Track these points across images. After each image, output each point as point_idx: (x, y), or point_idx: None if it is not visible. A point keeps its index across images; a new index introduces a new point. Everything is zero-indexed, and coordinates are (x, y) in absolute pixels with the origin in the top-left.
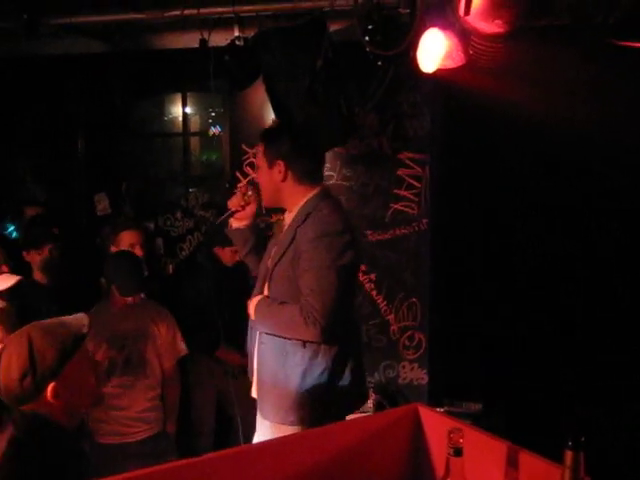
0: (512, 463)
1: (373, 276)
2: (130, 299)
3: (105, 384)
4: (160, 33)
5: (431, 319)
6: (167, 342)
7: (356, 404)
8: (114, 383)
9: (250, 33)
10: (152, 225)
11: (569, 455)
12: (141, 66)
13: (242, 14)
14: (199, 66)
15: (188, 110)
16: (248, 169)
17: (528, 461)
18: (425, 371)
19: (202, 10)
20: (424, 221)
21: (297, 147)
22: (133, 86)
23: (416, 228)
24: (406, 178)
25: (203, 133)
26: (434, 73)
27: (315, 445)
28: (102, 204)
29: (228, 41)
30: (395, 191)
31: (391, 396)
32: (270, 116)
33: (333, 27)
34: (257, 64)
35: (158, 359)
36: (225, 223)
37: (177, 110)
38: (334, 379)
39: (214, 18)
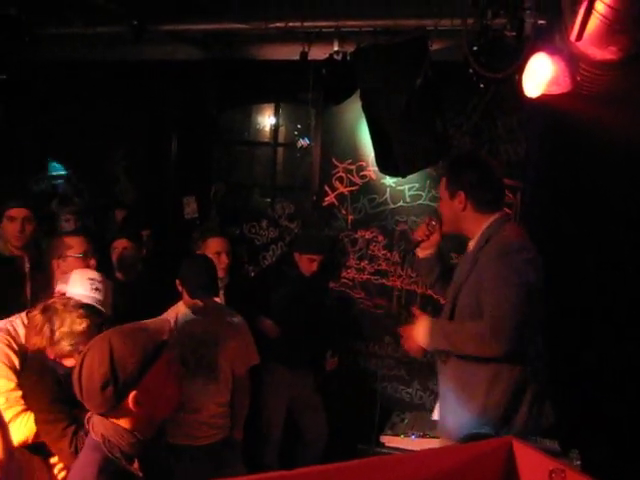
0: None
1: None
2: (200, 302)
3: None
4: (259, 44)
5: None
6: (240, 349)
7: (537, 428)
8: (185, 384)
9: (349, 49)
10: (237, 232)
11: None
12: (237, 75)
13: (344, 28)
14: (295, 78)
15: (280, 120)
16: (337, 183)
17: None
18: None
19: (305, 23)
20: None
21: (476, 180)
22: (228, 94)
23: None
24: None
25: (292, 145)
26: (536, 98)
27: (410, 467)
28: (190, 207)
29: (327, 55)
30: None
31: None
32: (363, 132)
33: (433, 46)
34: (353, 79)
35: (230, 365)
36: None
37: (269, 120)
38: (515, 400)
39: (315, 32)
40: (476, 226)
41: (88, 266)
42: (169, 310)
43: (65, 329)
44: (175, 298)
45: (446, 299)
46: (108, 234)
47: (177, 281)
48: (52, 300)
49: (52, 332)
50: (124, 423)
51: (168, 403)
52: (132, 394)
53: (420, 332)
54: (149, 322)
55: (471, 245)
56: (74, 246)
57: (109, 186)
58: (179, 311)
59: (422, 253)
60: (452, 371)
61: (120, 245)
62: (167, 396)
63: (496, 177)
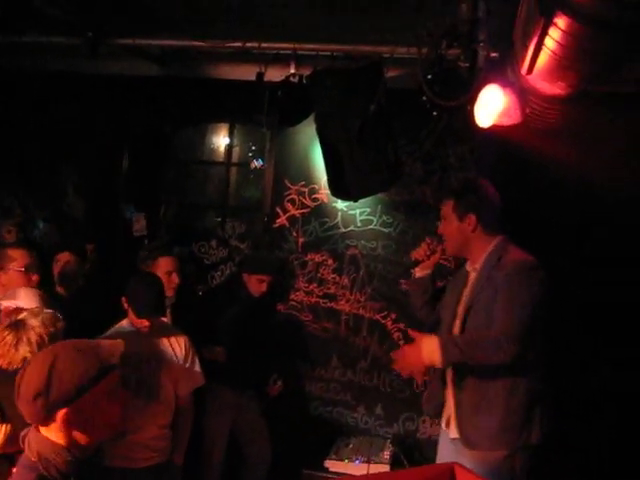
0: None
1: (402, 325)
2: (146, 322)
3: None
4: (216, 63)
5: None
6: (184, 370)
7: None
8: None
9: (305, 72)
10: (186, 251)
11: None
12: (193, 93)
13: (301, 51)
14: (250, 99)
15: (234, 140)
16: (289, 205)
17: None
18: None
19: (263, 45)
20: None
21: (486, 203)
22: (183, 112)
23: None
24: None
25: (245, 165)
26: (487, 129)
27: None
28: (139, 224)
29: (283, 77)
30: None
31: (408, 449)
32: (316, 155)
33: (388, 73)
34: (309, 102)
35: (173, 386)
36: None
37: (222, 140)
38: (532, 408)
39: (273, 53)
40: (482, 247)
41: (30, 281)
42: (112, 328)
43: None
44: (118, 315)
45: (444, 317)
46: (52, 248)
47: (123, 299)
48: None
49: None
50: (59, 439)
51: (105, 427)
52: (62, 412)
53: (429, 350)
54: (104, 342)
55: (473, 266)
56: (17, 259)
57: (57, 200)
58: (123, 329)
59: (420, 272)
60: (470, 388)
61: (63, 258)
62: (104, 420)
63: (499, 201)
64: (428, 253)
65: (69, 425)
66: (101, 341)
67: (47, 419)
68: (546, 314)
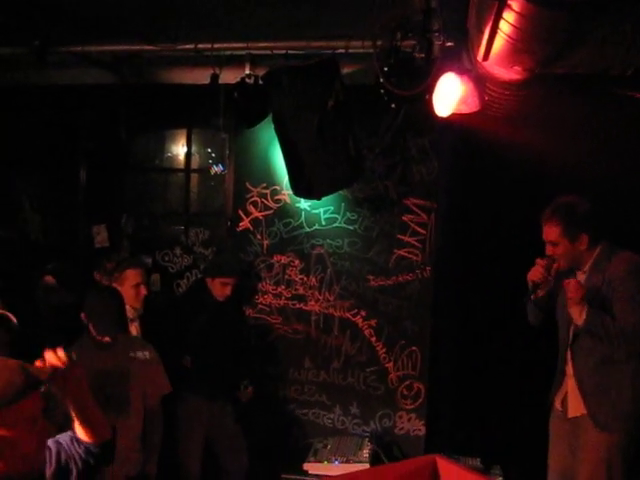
0: None
1: (373, 322)
2: (107, 338)
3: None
4: (170, 68)
5: (431, 369)
6: (150, 380)
7: None
8: None
9: (260, 72)
10: (150, 260)
11: None
12: (148, 100)
13: (255, 51)
14: (206, 103)
15: (192, 147)
16: (251, 208)
17: None
18: (423, 422)
19: (216, 45)
20: (427, 269)
21: (591, 218)
22: (138, 119)
23: (419, 275)
24: (411, 224)
25: (205, 170)
26: (446, 118)
27: None
28: (101, 236)
29: (238, 79)
30: (399, 237)
31: (387, 446)
32: (276, 156)
33: (344, 70)
34: (266, 103)
35: (141, 398)
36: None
37: (181, 146)
38: None
39: (226, 55)
40: (590, 256)
41: None
42: (76, 344)
43: None
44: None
45: (560, 323)
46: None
47: (82, 315)
48: None
49: None
50: None
51: (21, 459)
52: None
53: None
54: (29, 365)
55: (582, 270)
56: None
57: (12, 216)
58: (84, 346)
59: (542, 292)
60: (592, 367)
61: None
62: (21, 450)
63: (599, 210)
64: (546, 274)
65: None
66: (27, 364)
67: None
68: None
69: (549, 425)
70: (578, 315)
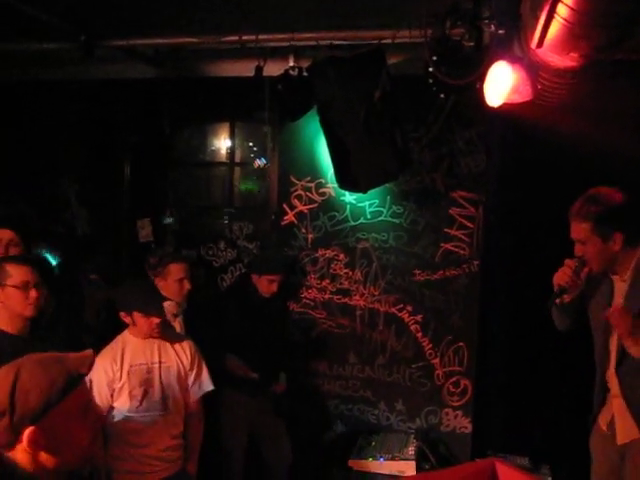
0: None
1: (419, 317)
2: (155, 327)
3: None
4: (213, 60)
5: (478, 365)
6: (192, 376)
7: None
8: (134, 418)
9: (305, 64)
10: (194, 254)
11: None
12: (192, 93)
13: (300, 42)
14: (250, 95)
15: (236, 139)
16: (296, 201)
17: None
18: (469, 419)
19: (260, 36)
20: (475, 263)
21: (627, 216)
22: (182, 113)
23: (467, 270)
24: (458, 218)
25: (249, 164)
26: (495, 108)
27: None
28: (145, 230)
29: (282, 71)
30: (446, 230)
31: (432, 443)
32: (321, 148)
33: (391, 60)
34: (310, 95)
35: (182, 394)
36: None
37: (223, 140)
38: None
39: (271, 47)
40: (629, 258)
41: (28, 298)
42: (114, 340)
43: None
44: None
45: (595, 331)
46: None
47: (122, 313)
48: None
49: None
50: (24, 462)
51: (74, 449)
52: (29, 430)
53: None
54: (72, 354)
55: (622, 277)
56: (13, 275)
57: (59, 211)
58: (125, 341)
59: (568, 298)
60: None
61: None
62: (74, 442)
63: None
64: (574, 279)
65: (36, 446)
66: (68, 353)
67: (13, 440)
68: None
69: (591, 442)
70: (634, 348)
